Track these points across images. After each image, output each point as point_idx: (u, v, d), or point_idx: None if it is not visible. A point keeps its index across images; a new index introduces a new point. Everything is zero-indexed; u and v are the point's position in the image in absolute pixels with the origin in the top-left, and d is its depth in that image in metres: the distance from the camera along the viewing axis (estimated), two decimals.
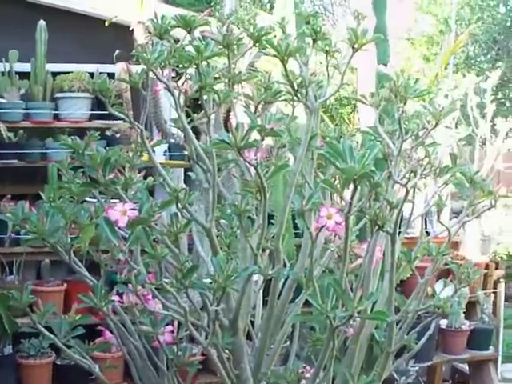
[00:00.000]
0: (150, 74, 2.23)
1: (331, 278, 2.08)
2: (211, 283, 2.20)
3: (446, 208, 6.17)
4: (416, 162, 2.38)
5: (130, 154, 2.79)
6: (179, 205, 2.24)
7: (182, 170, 6.20)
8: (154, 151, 6.20)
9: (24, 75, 6.14)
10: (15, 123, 6.01)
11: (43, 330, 2.53)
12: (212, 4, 13.96)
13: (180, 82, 2.26)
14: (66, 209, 2.68)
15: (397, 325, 2.58)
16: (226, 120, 7.56)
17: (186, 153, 6.41)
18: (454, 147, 6.95)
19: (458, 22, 16.08)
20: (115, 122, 6.25)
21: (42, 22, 6.10)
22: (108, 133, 6.18)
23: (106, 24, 6.14)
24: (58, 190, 2.83)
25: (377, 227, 2.19)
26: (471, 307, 6.37)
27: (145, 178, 2.87)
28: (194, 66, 2.09)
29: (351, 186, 1.99)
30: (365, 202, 2.15)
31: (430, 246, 2.49)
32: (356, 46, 2.40)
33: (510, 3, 17.57)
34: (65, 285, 5.30)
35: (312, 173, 2.70)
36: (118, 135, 6.21)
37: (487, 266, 6.55)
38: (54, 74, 6.21)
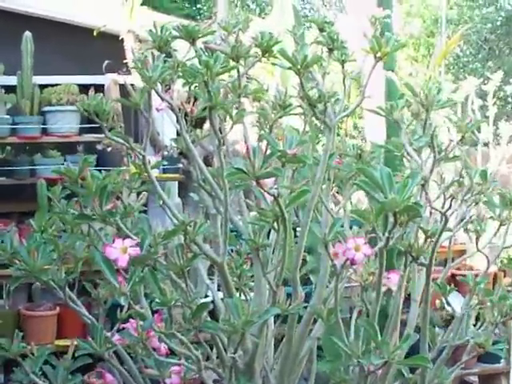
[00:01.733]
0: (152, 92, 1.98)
1: (363, 320, 1.83)
2: (225, 325, 1.95)
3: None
4: (451, 184, 2.13)
5: (127, 177, 2.55)
6: (187, 238, 1.99)
7: (176, 183, 5.97)
8: (164, 165, 5.99)
9: (10, 89, 5.87)
10: (2, 139, 5.73)
11: (37, 380, 2.27)
12: (199, 7, 13.68)
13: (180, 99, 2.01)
14: (60, 239, 2.45)
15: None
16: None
17: (180, 166, 6.15)
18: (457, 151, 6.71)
19: (447, 22, 15.90)
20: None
21: (27, 33, 5.83)
22: (99, 147, 5.91)
23: (95, 34, 5.88)
24: (49, 219, 2.59)
25: (411, 259, 1.95)
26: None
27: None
28: (202, 83, 1.83)
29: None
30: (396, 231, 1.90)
31: (467, 277, 2.24)
32: (379, 54, 2.15)
33: (500, 1, 17.41)
34: (57, 308, 5.02)
35: (330, 195, 2.46)
36: (109, 149, 5.95)
37: (495, 275, 6.32)
38: (42, 87, 5.93)
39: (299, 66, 2.02)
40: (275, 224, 2.00)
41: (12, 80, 5.83)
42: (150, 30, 2.26)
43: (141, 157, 2.10)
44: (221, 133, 2.08)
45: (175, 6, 14.36)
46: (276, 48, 2.23)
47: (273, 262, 2.15)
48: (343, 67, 2.35)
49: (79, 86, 5.89)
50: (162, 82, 2.12)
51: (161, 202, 2.90)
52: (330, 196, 2.48)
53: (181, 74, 1.95)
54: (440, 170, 2.45)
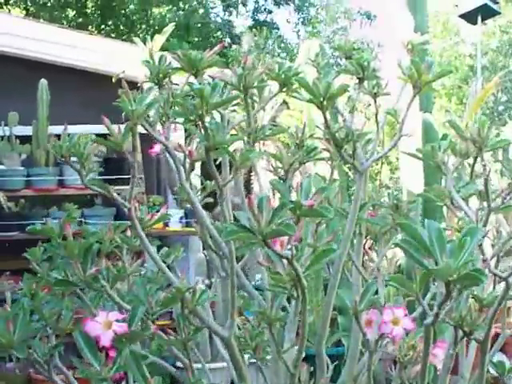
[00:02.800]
0: (140, 130, 1.63)
1: None
2: None
3: None
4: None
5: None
6: (185, 310, 1.61)
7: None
8: (169, 219, 5.65)
9: (25, 139, 5.58)
10: (16, 191, 5.46)
11: None
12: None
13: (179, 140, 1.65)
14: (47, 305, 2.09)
15: None
16: (248, 183, 6.98)
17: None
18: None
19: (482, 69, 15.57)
20: (126, 187, 5.66)
21: (43, 81, 5.57)
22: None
23: (113, 80, 5.58)
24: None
25: (463, 334, 1.55)
26: None
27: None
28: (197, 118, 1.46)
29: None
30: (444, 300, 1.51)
31: None
32: (418, 84, 1.78)
33: None
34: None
35: (361, 253, 2.07)
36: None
37: None
38: (58, 137, 5.64)
39: (322, 98, 1.66)
40: (293, 291, 1.62)
41: (27, 130, 5.56)
42: (147, 61, 1.93)
43: (126, 210, 1.74)
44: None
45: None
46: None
47: (291, 336, 1.75)
48: (375, 101, 1.99)
49: (97, 135, 5.59)
50: (161, 121, 1.78)
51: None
52: (361, 253, 2.10)
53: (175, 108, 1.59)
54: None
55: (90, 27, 14.65)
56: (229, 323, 1.67)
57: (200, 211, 1.74)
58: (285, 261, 1.57)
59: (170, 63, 1.87)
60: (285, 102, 6.84)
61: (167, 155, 1.83)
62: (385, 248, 2.06)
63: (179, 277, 2.46)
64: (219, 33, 15.46)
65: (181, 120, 1.72)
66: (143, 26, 15.32)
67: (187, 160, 1.74)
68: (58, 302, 2.13)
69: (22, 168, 5.51)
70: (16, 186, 5.46)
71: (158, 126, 1.75)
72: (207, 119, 1.55)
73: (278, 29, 16.68)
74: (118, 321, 1.61)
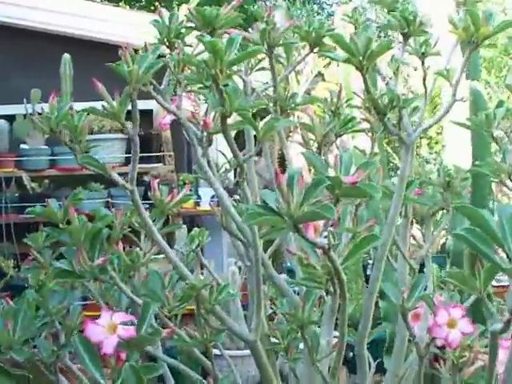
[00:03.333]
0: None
1: None
2: None
3: None
4: None
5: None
6: (200, 308, 1.36)
7: None
8: (200, 198, 5.42)
9: None
10: (40, 172, 5.25)
11: None
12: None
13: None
14: (53, 299, 1.87)
15: None
16: (283, 160, 6.67)
17: (237, 197, 5.50)
18: None
19: None
20: (154, 165, 5.43)
21: (66, 56, 5.33)
22: (146, 178, 5.34)
23: (140, 53, 5.33)
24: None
25: None
26: None
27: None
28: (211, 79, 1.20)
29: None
30: None
31: None
32: (475, 39, 1.51)
33: None
34: None
35: (407, 237, 1.81)
36: (157, 180, 5.37)
37: None
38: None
39: (361, 57, 1.39)
40: (329, 285, 1.36)
41: None
42: (155, 21, 1.68)
43: (128, 192, 1.49)
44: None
45: None
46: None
47: (328, 338, 1.49)
48: (423, 62, 1.72)
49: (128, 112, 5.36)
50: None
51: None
52: (407, 238, 1.83)
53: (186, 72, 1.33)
54: None
55: (120, 2, 14.39)
56: (254, 324, 1.42)
57: (219, 191, 1.48)
58: (319, 250, 1.31)
59: (181, 22, 1.62)
60: (320, 74, 6.53)
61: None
62: (436, 232, 1.79)
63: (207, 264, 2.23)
64: None
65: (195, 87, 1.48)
66: (176, 3, 15.02)
67: (204, 133, 1.49)
68: (65, 294, 1.91)
69: (46, 147, 5.29)
70: (39, 167, 5.25)
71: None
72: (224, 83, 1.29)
73: None
74: (124, 324, 1.37)
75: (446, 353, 1.57)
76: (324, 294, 1.63)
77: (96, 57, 5.88)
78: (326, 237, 1.16)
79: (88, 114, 1.47)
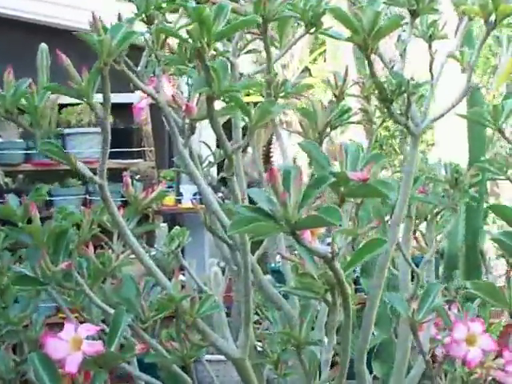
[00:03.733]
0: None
1: None
2: None
3: None
4: None
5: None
6: (180, 322, 1.17)
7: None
8: (181, 195, 5.23)
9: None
10: (14, 166, 5.03)
11: None
12: None
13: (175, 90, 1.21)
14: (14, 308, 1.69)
15: None
16: (267, 157, 6.49)
17: (220, 195, 5.29)
18: None
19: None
20: (134, 161, 5.24)
21: (43, 46, 5.09)
22: (125, 174, 5.15)
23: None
24: None
25: None
26: None
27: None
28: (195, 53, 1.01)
29: None
30: None
31: None
32: (494, 18, 1.33)
33: None
34: None
35: (410, 240, 1.63)
36: (137, 177, 5.19)
37: None
38: (61, 107, 5.18)
39: (366, 34, 1.20)
40: (327, 296, 1.18)
41: None
42: None
43: (97, 187, 1.31)
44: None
45: None
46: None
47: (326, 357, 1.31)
48: (430, 46, 1.55)
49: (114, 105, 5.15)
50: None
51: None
52: (410, 240, 1.66)
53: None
54: None
55: None
56: (241, 340, 1.24)
57: (202, 186, 1.30)
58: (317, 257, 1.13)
59: None
60: (307, 69, 6.34)
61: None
62: (442, 234, 1.62)
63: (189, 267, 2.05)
64: None
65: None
66: None
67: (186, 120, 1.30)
68: (29, 301, 1.73)
69: (21, 140, 5.08)
70: (14, 161, 5.04)
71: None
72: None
73: None
74: (90, 337, 1.18)
75: (451, 366, 1.40)
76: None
77: (77, 47, 5.69)
78: (328, 244, 0.98)
79: (52, 93, 1.28)
